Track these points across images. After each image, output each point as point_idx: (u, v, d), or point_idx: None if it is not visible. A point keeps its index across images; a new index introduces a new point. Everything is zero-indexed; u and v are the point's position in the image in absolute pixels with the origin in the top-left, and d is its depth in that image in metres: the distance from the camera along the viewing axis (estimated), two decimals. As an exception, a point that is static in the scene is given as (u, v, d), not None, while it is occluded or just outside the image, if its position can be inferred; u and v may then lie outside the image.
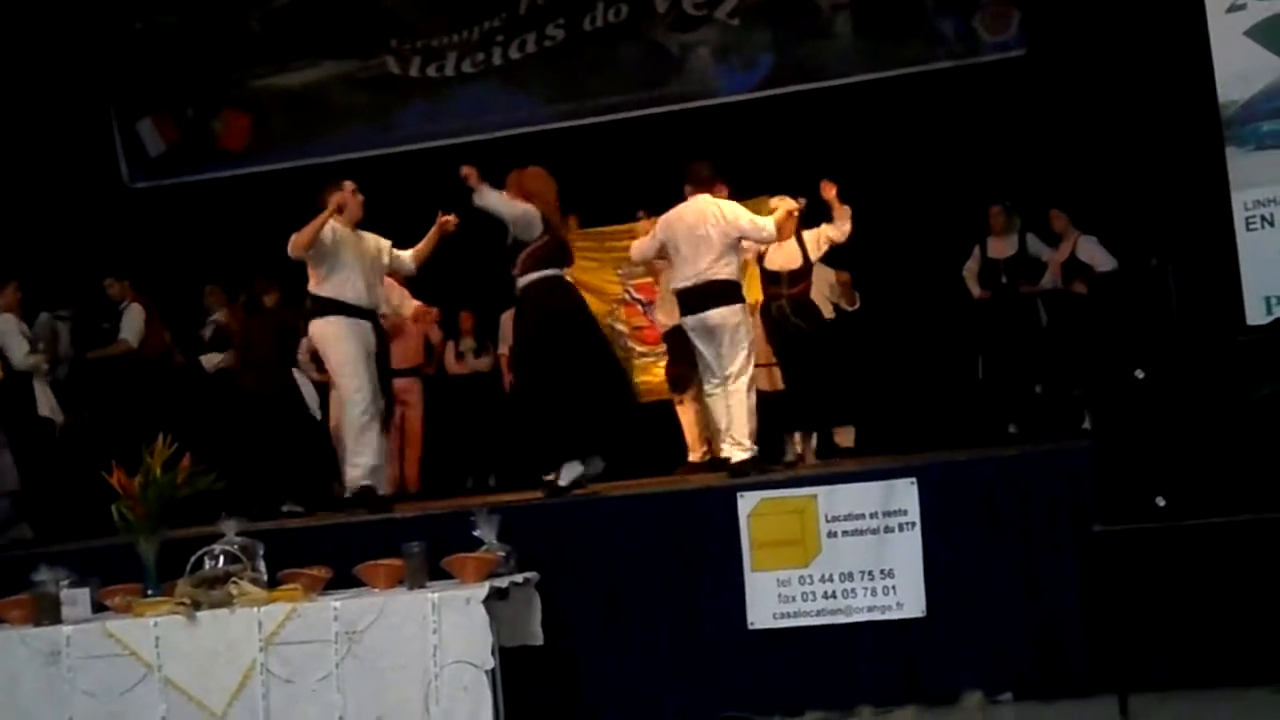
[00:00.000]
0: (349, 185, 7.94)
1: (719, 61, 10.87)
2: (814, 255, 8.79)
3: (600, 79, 10.98)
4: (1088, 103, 9.90)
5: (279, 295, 9.30)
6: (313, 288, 7.90)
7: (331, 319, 7.81)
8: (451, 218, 8.02)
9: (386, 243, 8.10)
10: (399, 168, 10.93)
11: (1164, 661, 6.18)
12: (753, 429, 7.84)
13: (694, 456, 9.49)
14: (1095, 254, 9.34)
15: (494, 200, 7.58)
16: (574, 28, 11.01)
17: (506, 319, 10.17)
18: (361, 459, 7.79)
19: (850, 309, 10.00)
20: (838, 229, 8.59)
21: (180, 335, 10.40)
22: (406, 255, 8.15)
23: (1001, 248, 9.90)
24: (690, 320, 7.92)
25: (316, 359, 9.36)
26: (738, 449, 7.75)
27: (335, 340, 7.83)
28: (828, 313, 9.80)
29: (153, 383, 9.87)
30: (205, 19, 11.50)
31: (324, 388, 9.45)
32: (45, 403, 9.12)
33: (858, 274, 9.89)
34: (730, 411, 7.79)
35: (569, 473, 7.42)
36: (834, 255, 9.21)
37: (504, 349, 10.51)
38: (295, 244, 7.70)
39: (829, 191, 8.42)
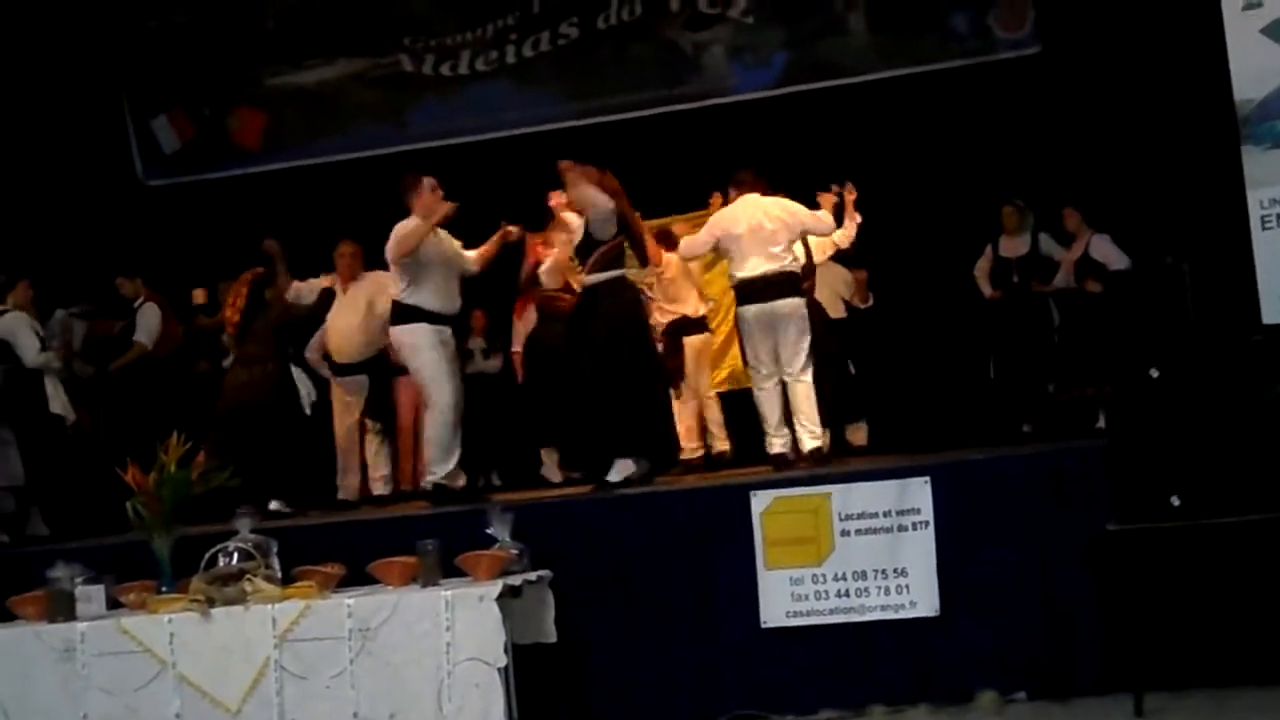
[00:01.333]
0: (429, 182, 7.91)
1: (733, 60, 10.85)
2: (818, 258, 8.86)
3: (614, 77, 10.96)
4: (1102, 100, 9.87)
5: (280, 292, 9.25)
6: (398, 294, 7.86)
7: (414, 327, 7.80)
8: (516, 229, 8.13)
9: (458, 242, 8.05)
10: (412, 166, 10.89)
11: (1178, 660, 6.17)
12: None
13: (686, 455, 9.44)
14: (1108, 253, 9.31)
15: (588, 191, 7.73)
16: (588, 26, 10.99)
17: (521, 320, 10.13)
18: (447, 462, 7.79)
19: (863, 307, 9.99)
20: (845, 234, 8.64)
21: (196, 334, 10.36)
22: (472, 256, 8.09)
23: (1014, 246, 9.87)
24: (753, 310, 7.96)
25: (326, 356, 9.37)
26: (810, 437, 7.88)
27: (420, 349, 7.82)
28: (839, 311, 9.80)
29: (168, 381, 9.85)
30: (220, 17, 11.50)
31: (324, 385, 9.43)
32: (57, 400, 9.12)
33: (870, 273, 9.86)
34: (799, 401, 7.90)
35: (621, 470, 7.47)
36: (849, 253, 9.22)
37: (517, 347, 10.45)
38: (400, 251, 7.69)
39: (850, 194, 8.48)
